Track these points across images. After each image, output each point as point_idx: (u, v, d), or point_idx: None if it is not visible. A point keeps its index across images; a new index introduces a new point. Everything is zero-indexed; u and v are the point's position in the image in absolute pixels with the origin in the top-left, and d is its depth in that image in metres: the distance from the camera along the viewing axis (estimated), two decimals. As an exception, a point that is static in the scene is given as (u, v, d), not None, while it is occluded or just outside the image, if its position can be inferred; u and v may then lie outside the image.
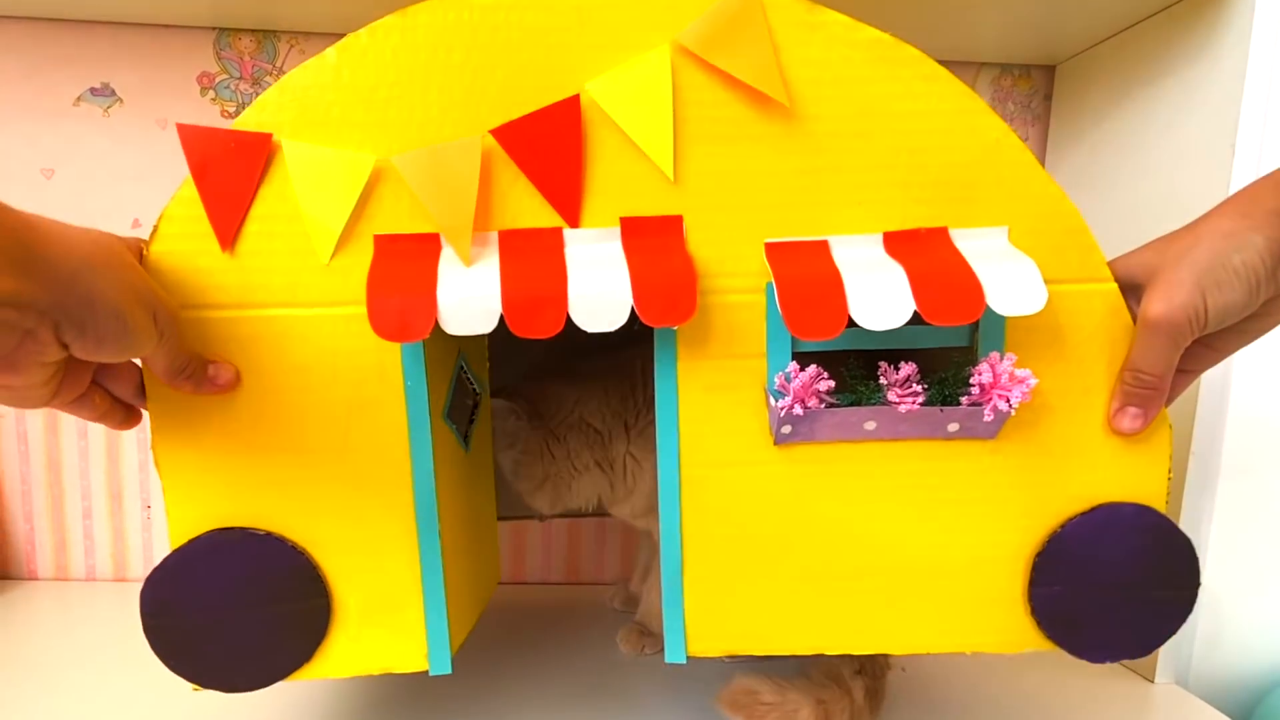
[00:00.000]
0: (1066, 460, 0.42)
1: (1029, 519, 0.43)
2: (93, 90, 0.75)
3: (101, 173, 0.76)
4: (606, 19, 0.38)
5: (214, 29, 0.75)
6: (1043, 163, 0.80)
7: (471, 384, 0.52)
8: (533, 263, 0.39)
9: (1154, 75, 0.64)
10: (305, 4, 0.68)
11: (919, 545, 0.43)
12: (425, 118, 0.39)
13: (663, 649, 0.60)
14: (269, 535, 0.42)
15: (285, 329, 0.40)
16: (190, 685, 0.44)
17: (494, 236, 0.40)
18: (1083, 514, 0.43)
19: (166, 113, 0.75)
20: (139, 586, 0.75)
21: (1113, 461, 0.42)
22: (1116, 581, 0.43)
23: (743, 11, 0.38)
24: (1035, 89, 0.80)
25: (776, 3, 0.38)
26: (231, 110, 0.76)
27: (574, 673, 0.58)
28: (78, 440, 0.78)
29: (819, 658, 0.51)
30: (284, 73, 0.74)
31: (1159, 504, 0.43)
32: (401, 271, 0.38)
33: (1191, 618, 0.46)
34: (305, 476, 0.42)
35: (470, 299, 0.37)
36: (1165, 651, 0.59)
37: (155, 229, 0.39)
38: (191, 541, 0.42)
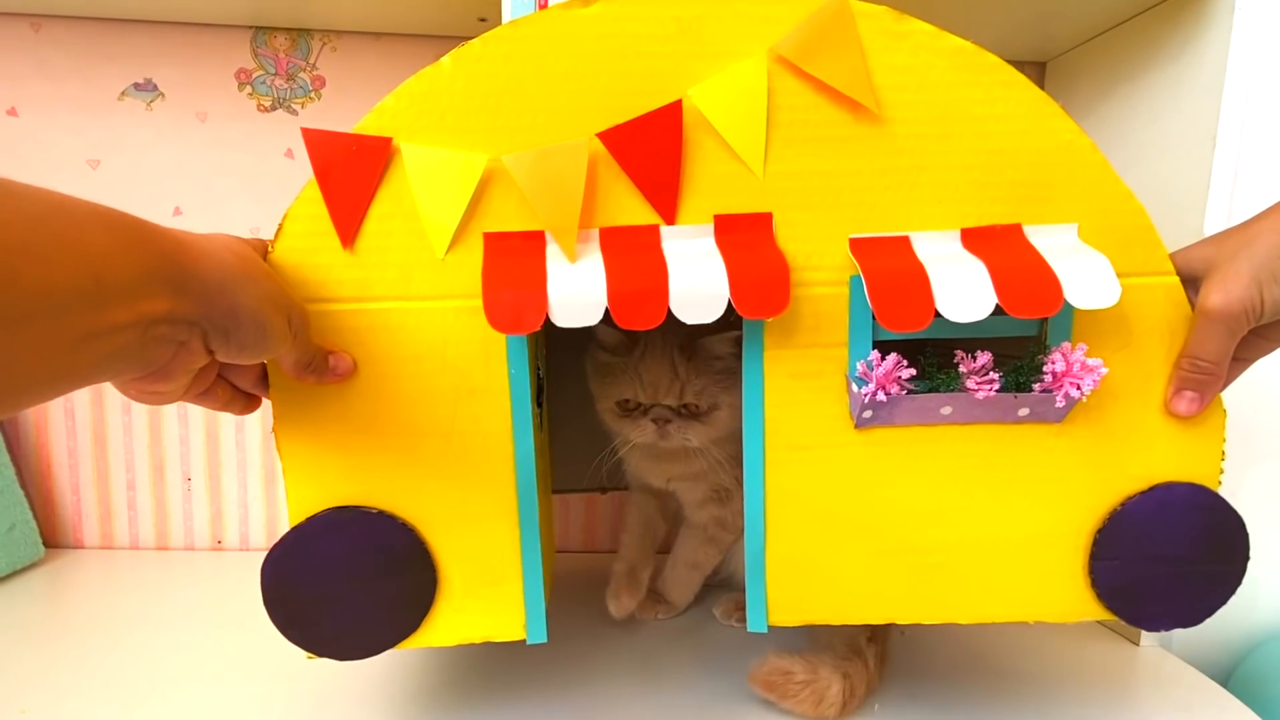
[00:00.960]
0: (1127, 442, 0.45)
1: (1091, 497, 0.46)
2: (136, 85, 0.79)
3: (144, 163, 0.80)
4: (704, 30, 0.41)
5: (251, 27, 0.79)
6: None
7: (539, 369, 0.55)
8: (634, 258, 0.41)
9: (1139, 71, 0.67)
10: (338, 4, 0.72)
11: (988, 521, 0.46)
12: (533, 121, 0.42)
13: (673, 614, 0.65)
14: (381, 513, 0.45)
15: (400, 321, 0.43)
16: (305, 654, 0.47)
17: (595, 234, 0.43)
18: (1141, 493, 0.45)
19: (206, 106, 0.79)
20: (180, 554, 0.81)
21: (1170, 443, 0.45)
22: (1172, 556, 0.46)
23: (835, 22, 0.40)
24: None
25: (867, 12, 0.40)
26: (267, 105, 0.80)
27: (594, 639, 0.61)
28: (121, 415, 0.82)
29: (835, 628, 0.54)
30: (317, 69, 0.78)
31: (1213, 483, 0.46)
32: (513, 268, 0.41)
33: None
34: (414, 458, 0.45)
35: (578, 294, 0.40)
36: None
37: (280, 228, 0.42)
38: (309, 519, 0.45)
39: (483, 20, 0.73)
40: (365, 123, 0.41)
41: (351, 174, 0.41)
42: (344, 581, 0.45)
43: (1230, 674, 0.69)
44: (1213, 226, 0.59)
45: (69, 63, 0.78)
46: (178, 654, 0.60)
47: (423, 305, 0.43)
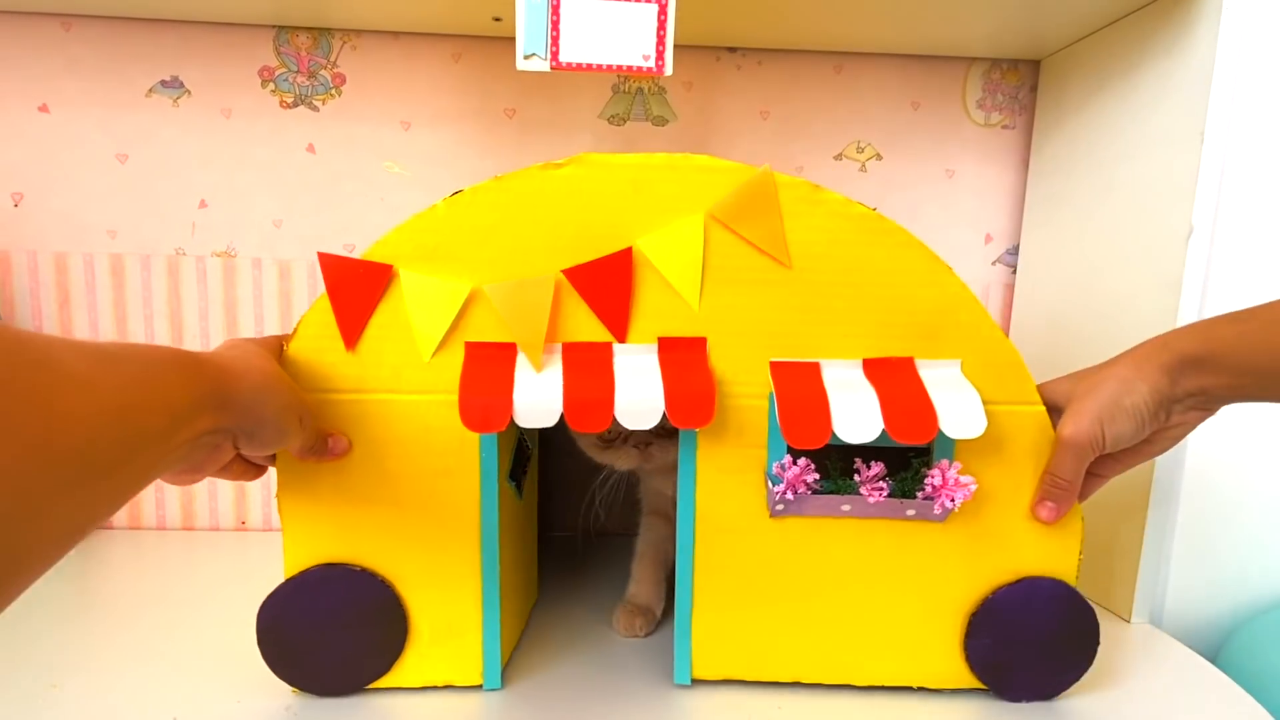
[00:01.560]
0: (998, 541, 0.54)
1: (966, 585, 0.54)
2: (163, 83, 0.83)
3: (171, 158, 0.84)
4: (654, 190, 0.50)
5: (274, 27, 0.83)
6: (1028, 148, 0.89)
7: (525, 443, 0.63)
8: (588, 372, 0.50)
9: (1129, 68, 0.72)
10: (358, 4, 0.77)
11: (880, 601, 0.55)
12: (510, 257, 0.50)
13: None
14: (363, 570, 0.53)
15: (390, 410, 0.52)
16: (290, 689, 0.54)
17: (559, 347, 0.51)
18: (1010, 584, 0.54)
19: (230, 103, 0.84)
20: (204, 535, 0.89)
21: (1035, 544, 0.54)
22: (1034, 639, 0.54)
23: (761, 191, 0.49)
24: (1022, 81, 0.89)
25: (788, 184, 0.49)
26: (289, 101, 0.84)
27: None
28: None
29: None
30: (337, 67, 0.84)
31: (1070, 579, 0.54)
32: (486, 375, 0.50)
33: (1166, 564, 0.63)
34: (395, 525, 0.53)
35: (538, 401, 0.49)
36: (1140, 593, 0.68)
37: (295, 331, 0.51)
38: (302, 573, 0.53)
39: (497, 20, 0.77)
40: (371, 252, 0.50)
41: (357, 292, 0.50)
42: (327, 627, 0.53)
43: (1219, 650, 0.72)
44: (1201, 219, 0.63)
45: (98, 61, 0.82)
46: (203, 630, 0.64)
47: (410, 398, 0.52)
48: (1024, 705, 0.55)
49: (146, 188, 0.85)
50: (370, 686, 0.55)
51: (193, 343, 0.87)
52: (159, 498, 0.89)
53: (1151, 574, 0.69)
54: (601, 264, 0.50)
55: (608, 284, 0.50)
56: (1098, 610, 0.71)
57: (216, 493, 0.90)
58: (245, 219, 0.87)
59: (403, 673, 0.55)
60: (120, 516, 0.90)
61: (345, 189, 0.87)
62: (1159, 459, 0.67)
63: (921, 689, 0.56)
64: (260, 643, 0.53)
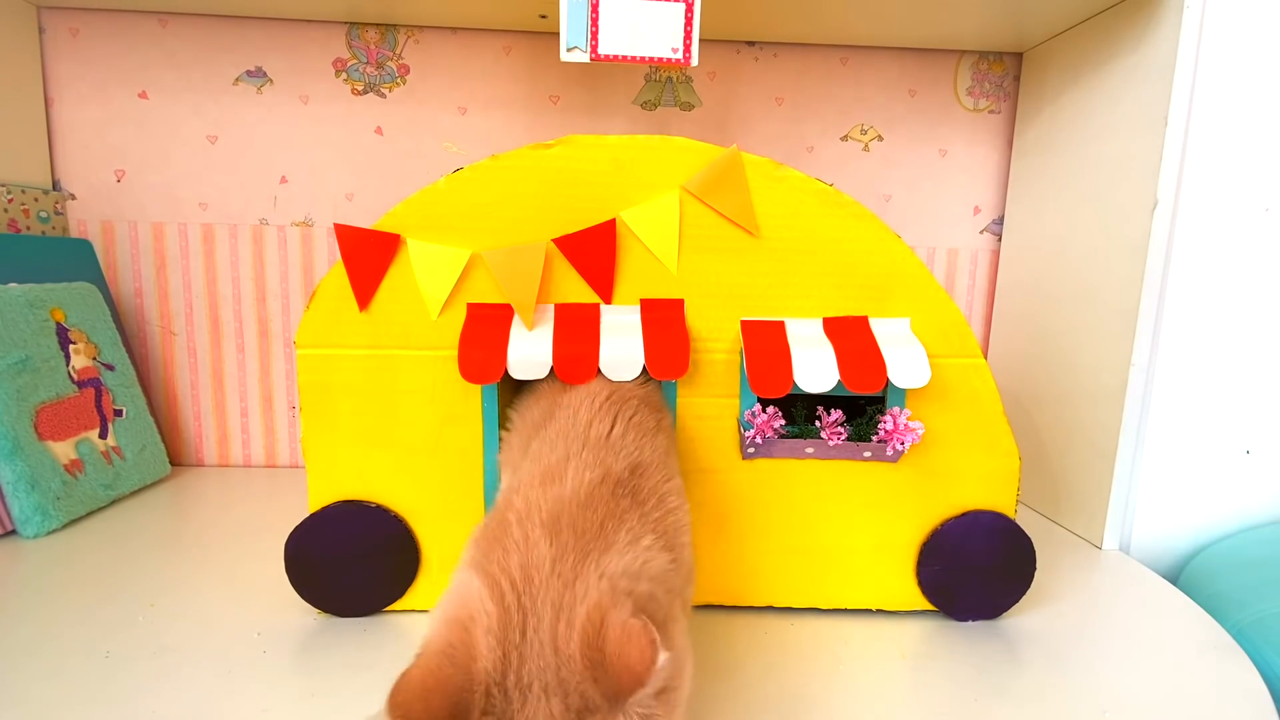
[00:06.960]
0: (945, 479, 0.66)
1: (918, 519, 0.67)
2: (248, 72, 1.02)
3: (255, 139, 1.03)
4: (635, 168, 0.60)
5: (346, 23, 1.02)
6: (1012, 131, 1.07)
7: None
8: (576, 329, 0.61)
9: (1102, 60, 0.87)
10: (421, 2, 0.93)
11: (842, 533, 0.67)
12: (506, 227, 0.61)
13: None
14: (379, 507, 0.65)
15: (400, 365, 0.63)
16: (316, 610, 0.67)
17: (550, 308, 0.63)
18: (956, 517, 0.66)
19: (307, 91, 1.03)
20: (285, 471, 1.08)
21: (978, 481, 0.66)
22: (978, 565, 0.67)
23: (730, 168, 0.60)
24: (1007, 71, 1.07)
25: (753, 163, 0.60)
26: (360, 89, 1.03)
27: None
28: (236, 353, 1.07)
29: None
30: (402, 59, 1.03)
31: (1010, 512, 0.66)
32: (483, 333, 0.61)
33: (1135, 497, 0.78)
34: (407, 467, 0.65)
35: (529, 356, 0.60)
36: (1111, 524, 0.84)
37: (314, 294, 0.62)
38: (324, 508, 0.65)
39: (543, 17, 0.95)
40: (382, 223, 0.61)
41: (370, 258, 0.61)
42: (347, 557, 0.65)
43: (1180, 573, 0.85)
44: (1164, 193, 0.77)
45: (191, 53, 1.01)
46: (281, 556, 0.74)
47: (418, 354, 0.63)
48: (973, 624, 0.68)
49: (234, 165, 1.04)
50: (387, 609, 0.67)
51: (274, 302, 1.06)
52: (244, 438, 1.09)
53: (1121, 506, 0.84)
54: (588, 234, 0.61)
55: (594, 251, 0.61)
56: (1074, 539, 0.88)
57: (296, 434, 1.09)
58: (321, 193, 1.05)
59: (415, 598, 0.67)
60: (211, 455, 1.09)
61: (409, 166, 1.05)
62: (1129, 402, 0.80)
63: (880, 610, 0.69)
64: (288, 570, 0.65)
